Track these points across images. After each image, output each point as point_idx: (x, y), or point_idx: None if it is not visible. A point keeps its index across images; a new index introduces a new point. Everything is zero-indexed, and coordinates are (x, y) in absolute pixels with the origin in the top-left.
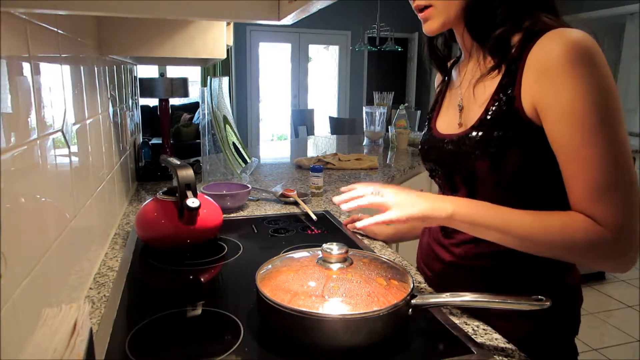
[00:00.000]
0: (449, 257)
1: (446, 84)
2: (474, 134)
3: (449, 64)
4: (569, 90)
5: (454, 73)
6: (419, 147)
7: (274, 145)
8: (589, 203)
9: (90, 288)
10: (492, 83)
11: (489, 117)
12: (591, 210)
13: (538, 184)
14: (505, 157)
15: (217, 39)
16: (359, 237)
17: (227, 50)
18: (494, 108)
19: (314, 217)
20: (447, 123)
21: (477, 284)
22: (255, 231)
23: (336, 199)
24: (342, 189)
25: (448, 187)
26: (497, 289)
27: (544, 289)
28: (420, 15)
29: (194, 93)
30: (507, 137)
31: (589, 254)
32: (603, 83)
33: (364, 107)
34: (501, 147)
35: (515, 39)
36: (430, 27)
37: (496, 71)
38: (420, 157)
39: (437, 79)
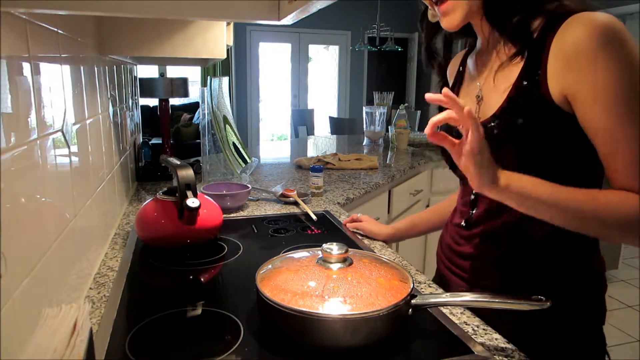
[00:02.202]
0: (471, 249)
1: (461, 75)
2: (496, 122)
3: (461, 55)
4: (601, 74)
5: (469, 63)
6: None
7: (274, 145)
8: (635, 178)
9: (90, 288)
10: (513, 71)
11: (511, 105)
12: (637, 185)
13: (562, 172)
14: (530, 145)
15: (217, 39)
16: (359, 237)
17: (227, 50)
18: (517, 95)
19: (314, 217)
20: None
21: (501, 275)
22: (255, 231)
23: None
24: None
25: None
26: (521, 279)
27: (569, 277)
28: (439, 9)
29: (194, 93)
30: (532, 124)
31: (635, 228)
32: (634, 62)
33: (364, 107)
34: (526, 134)
35: (536, 23)
36: (452, 21)
37: (518, 58)
38: (439, 151)
39: (450, 71)
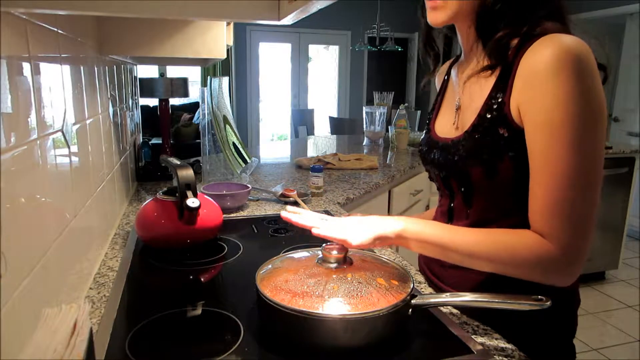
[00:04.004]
0: None
1: (445, 84)
2: (468, 139)
3: (448, 64)
4: (551, 98)
5: (453, 73)
6: (419, 148)
7: (274, 145)
8: (543, 217)
9: (90, 288)
10: (487, 86)
11: (481, 122)
12: (542, 225)
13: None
14: (498, 163)
15: (217, 39)
16: None
17: (227, 50)
18: (486, 113)
19: None
20: (445, 124)
21: (476, 285)
22: (255, 231)
23: (284, 213)
24: (288, 208)
25: (445, 190)
26: (494, 289)
27: (542, 290)
28: (429, 4)
29: (194, 93)
30: (499, 144)
31: (536, 270)
32: (589, 94)
33: (364, 107)
34: (494, 154)
35: (513, 42)
36: (437, 17)
37: (491, 74)
38: (420, 159)
39: (438, 78)
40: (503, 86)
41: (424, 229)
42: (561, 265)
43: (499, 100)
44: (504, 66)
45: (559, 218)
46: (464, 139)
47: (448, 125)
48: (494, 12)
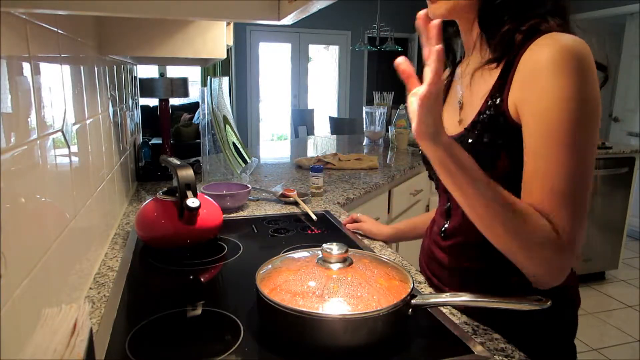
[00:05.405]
0: (447, 259)
1: (449, 82)
2: (467, 136)
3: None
4: (549, 95)
5: (457, 72)
6: (419, 147)
7: (274, 145)
8: (549, 207)
9: (90, 288)
10: (489, 83)
11: (480, 120)
12: (550, 214)
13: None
14: (496, 161)
15: (217, 39)
16: (359, 237)
17: (227, 50)
18: (485, 110)
19: (314, 217)
20: (448, 122)
21: (474, 286)
22: (255, 231)
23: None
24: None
25: (443, 189)
26: (493, 291)
27: (542, 291)
28: None
29: (194, 93)
30: (497, 142)
31: (541, 252)
32: (586, 92)
33: (364, 107)
34: (491, 151)
35: (518, 39)
36: (437, 9)
37: (494, 70)
38: (421, 158)
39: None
40: (503, 83)
41: (462, 158)
42: (562, 255)
43: (497, 97)
44: (507, 63)
45: (563, 209)
46: (463, 134)
47: (451, 122)
48: (497, 5)
